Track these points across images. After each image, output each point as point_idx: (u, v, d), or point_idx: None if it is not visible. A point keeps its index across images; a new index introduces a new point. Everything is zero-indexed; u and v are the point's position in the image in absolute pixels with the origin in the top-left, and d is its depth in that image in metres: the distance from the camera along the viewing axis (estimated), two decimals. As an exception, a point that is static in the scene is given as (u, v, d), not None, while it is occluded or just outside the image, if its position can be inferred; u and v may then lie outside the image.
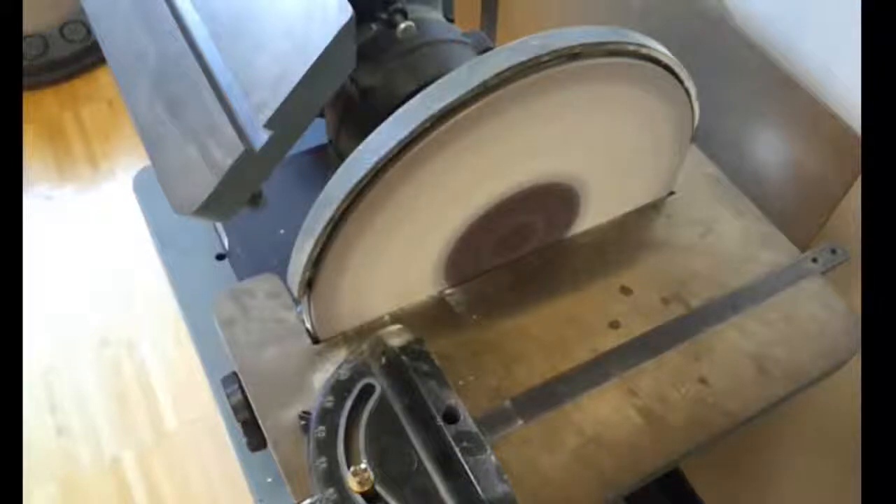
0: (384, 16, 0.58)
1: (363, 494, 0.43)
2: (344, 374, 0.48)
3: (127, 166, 1.62)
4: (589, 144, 0.56)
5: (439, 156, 0.48)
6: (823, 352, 0.57)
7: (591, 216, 0.62)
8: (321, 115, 0.65)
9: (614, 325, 0.57)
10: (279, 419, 0.51)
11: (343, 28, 0.44)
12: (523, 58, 0.46)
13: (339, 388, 0.48)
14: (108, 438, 1.28)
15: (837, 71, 0.66)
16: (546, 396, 0.52)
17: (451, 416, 0.46)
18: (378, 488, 0.44)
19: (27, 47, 1.68)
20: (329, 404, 0.47)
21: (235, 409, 0.52)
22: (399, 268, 0.55)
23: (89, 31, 1.71)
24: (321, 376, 0.53)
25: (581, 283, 0.60)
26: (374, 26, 0.59)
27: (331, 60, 0.45)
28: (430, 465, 0.44)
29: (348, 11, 0.44)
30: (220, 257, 0.69)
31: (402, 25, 0.57)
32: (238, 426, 0.53)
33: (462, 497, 0.43)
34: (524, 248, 0.61)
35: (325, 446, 0.45)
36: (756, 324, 0.58)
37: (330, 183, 0.48)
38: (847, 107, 0.65)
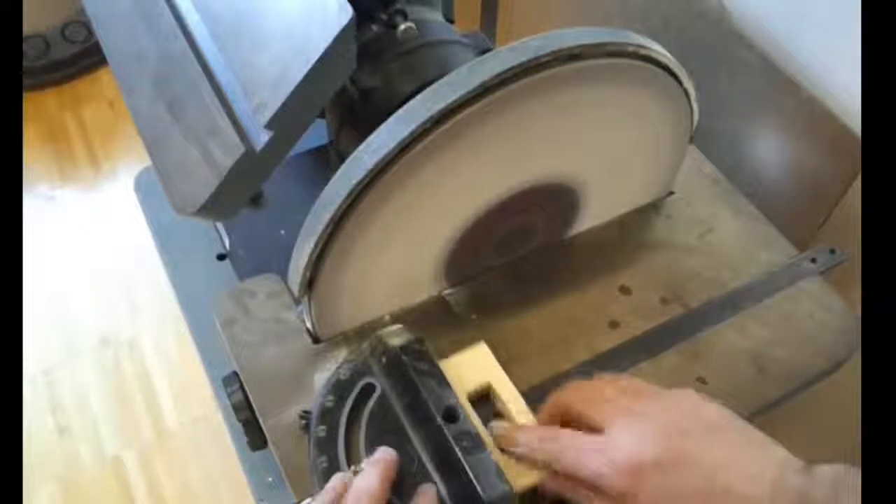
0: (384, 17, 0.59)
1: (363, 493, 0.43)
2: (344, 373, 0.48)
3: (128, 167, 1.62)
4: (588, 145, 0.56)
5: (439, 156, 0.48)
6: (822, 352, 0.57)
7: (591, 216, 0.63)
8: (321, 115, 0.65)
9: (613, 324, 0.57)
10: (279, 418, 0.51)
11: (343, 29, 0.44)
12: (523, 58, 0.47)
13: (339, 388, 0.48)
14: (108, 438, 1.28)
15: (837, 71, 0.66)
16: (545, 396, 0.52)
17: (450, 416, 0.46)
18: (378, 487, 0.44)
19: (28, 48, 1.68)
20: (329, 404, 0.47)
21: (236, 409, 0.53)
22: (399, 268, 0.55)
23: (90, 32, 1.71)
24: (321, 376, 0.53)
25: (581, 282, 0.60)
26: (374, 27, 0.59)
27: (331, 61, 0.45)
28: (429, 465, 0.44)
29: (349, 12, 0.44)
30: (220, 257, 0.69)
31: (403, 26, 0.58)
32: (239, 425, 0.53)
33: (461, 496, 0.43)
34: (524, 248, 0.61)
35: (326, 445, 0.45)
36: (755, 324, 0.58)
37: (330, 183, 0.49)
38: (847, 107, 0.65)
